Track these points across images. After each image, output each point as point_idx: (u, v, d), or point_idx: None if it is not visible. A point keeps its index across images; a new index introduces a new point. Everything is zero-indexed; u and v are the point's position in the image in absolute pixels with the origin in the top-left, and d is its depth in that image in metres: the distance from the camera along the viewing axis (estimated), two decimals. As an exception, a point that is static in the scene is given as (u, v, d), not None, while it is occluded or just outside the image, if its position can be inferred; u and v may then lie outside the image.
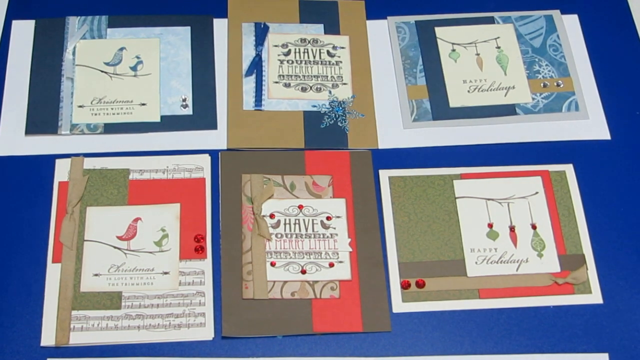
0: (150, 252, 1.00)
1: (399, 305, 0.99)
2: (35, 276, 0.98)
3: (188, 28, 1.17)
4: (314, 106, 1.12)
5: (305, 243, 1.02)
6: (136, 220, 1.02)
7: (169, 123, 1.10)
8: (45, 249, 1.00)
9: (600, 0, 1.24)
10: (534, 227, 1.04)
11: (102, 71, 1.13)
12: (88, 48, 1.14)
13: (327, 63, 1.16)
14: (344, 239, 1.02)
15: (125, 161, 1.06)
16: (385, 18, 1.21)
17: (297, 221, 1.03)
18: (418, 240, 1.03)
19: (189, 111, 1.11)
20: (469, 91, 1.14)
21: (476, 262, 1.02)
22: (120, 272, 0.99)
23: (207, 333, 0.96)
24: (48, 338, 0.95)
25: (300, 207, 1.04)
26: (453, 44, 1.18)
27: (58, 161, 1.06)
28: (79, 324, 0.96)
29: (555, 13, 1.22)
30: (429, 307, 0.99)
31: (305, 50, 1.16)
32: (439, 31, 1.19)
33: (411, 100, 1.13)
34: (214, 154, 1.08)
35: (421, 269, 1.01)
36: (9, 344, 0.95)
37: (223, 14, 1.19)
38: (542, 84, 1.15)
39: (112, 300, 0.97)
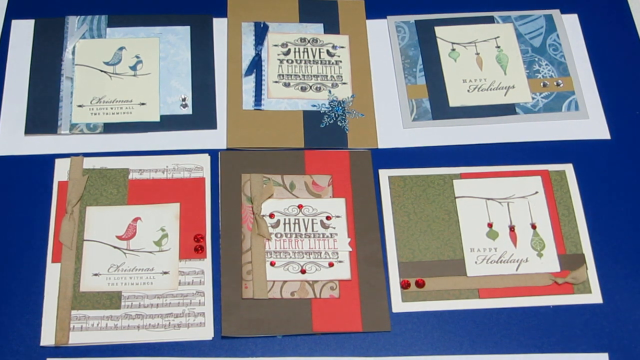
0: (150, 252, 1.00)
1: (399, 305, 0.99)
2: (35, 276, 0.98)
3: (188, 27, 1.17)
4: (314, 106, 1.12)
5: (305, 243, 1.02)
6: (136, 220, 1.02)
7: (169, 123, 1.10)
8: (45, 248, 1.00)
9: (600, 0, 1.24)
10: (533, 226, 1.04)
11: (101, 71, 1.13)
12: (88, 47, 1.14)
13: (327, 62, 1.16)
14: (343, 239, 1.02)
15: (124, 161, 1.06)
16: (385, 17, 1.21)
17: (296, 221, 1.03)
18: (418, 240, 1.03)
19: (188, 111, 1.11)
20: (468, 91, 1.14)
21: (476, 262, 1.02)
22: (120, 272, 0.99)
23: (206, 333, 0.96)
24: (48, 338, 0.95)
25: (300, 206, 1.04)
26: (453, 43, 1.18)
27: (58, 161, 1.06)
28: (79, 323, 0.96)
29: (555, 13, 1.22)
30: (429, 306, 0.99)
31: (305, 50, 1.16)
32: (439, 30, 1.19)
33: (411, 100, 1.13)
34: (213, 153, 1.08)
35: (421, 268, 1.01)
36: (8, 344, 0.95)
37: (223, 13, 1.19)
38: (541, 84, 1.15)
39: (111, 300, 0.97)
